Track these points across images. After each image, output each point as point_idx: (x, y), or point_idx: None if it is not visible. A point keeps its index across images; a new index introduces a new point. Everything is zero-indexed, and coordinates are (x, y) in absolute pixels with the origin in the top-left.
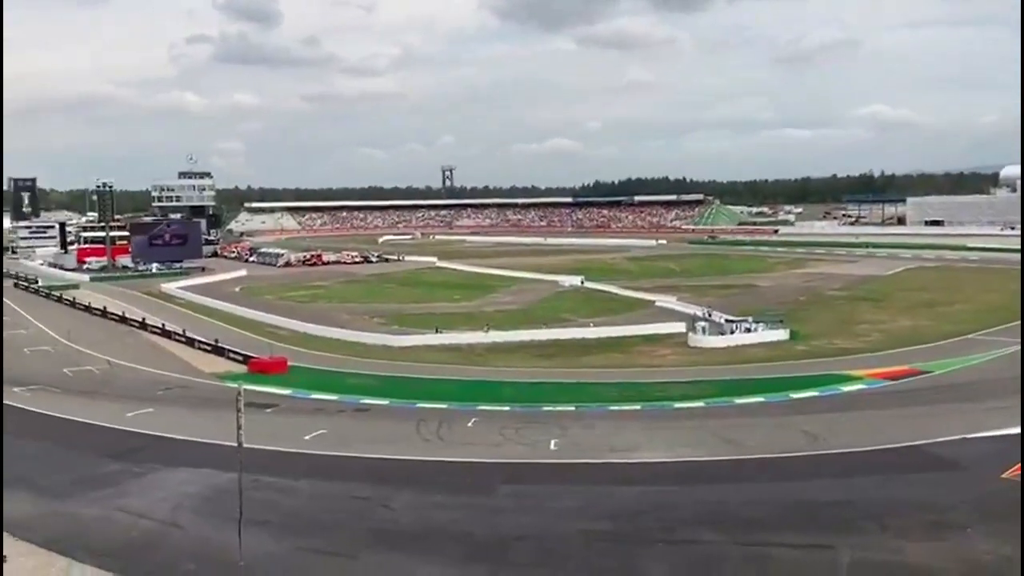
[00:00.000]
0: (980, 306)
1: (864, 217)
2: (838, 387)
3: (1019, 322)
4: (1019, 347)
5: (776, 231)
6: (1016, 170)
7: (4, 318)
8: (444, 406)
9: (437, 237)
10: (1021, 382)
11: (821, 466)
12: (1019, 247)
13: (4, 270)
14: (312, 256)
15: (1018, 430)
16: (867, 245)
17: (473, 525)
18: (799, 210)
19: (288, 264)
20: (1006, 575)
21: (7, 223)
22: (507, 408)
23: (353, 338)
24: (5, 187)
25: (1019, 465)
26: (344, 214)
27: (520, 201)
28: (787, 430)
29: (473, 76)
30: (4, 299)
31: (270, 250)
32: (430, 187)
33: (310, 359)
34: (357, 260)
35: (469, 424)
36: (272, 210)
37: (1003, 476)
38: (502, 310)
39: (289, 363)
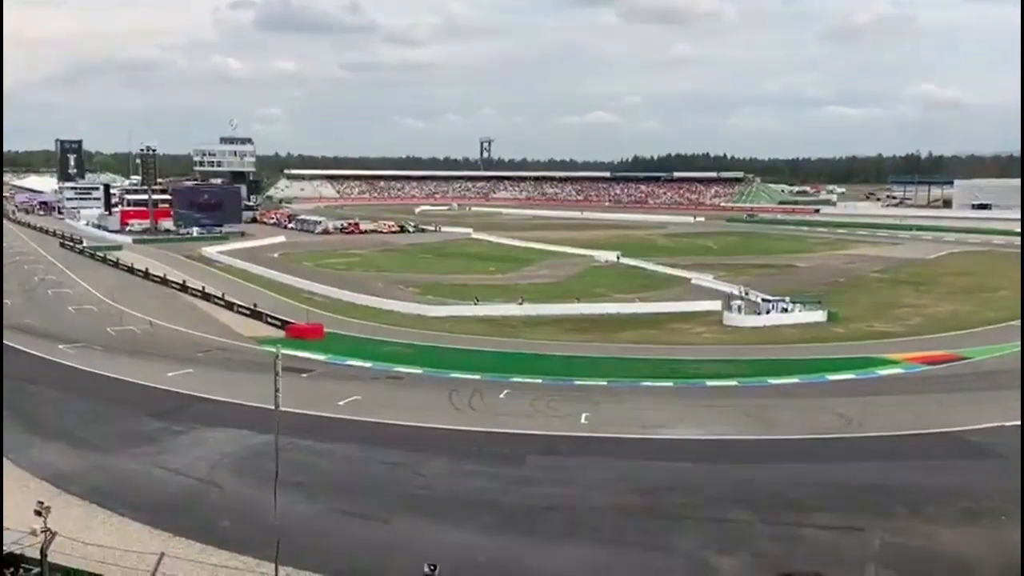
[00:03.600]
0: None
1: (909, 199)
2: (875, 370)
3: None
4: None
5: (817, 211)
6: None
7: (51, 276)
8: (477, 377)
9: (474, 209)
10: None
11: (855, 449)
12: None
13: (50, 230)
14: (350, 224)
15: None
16: (911, 228)
17: (503, 494)
18: (842, 190)
19: (326, 232)
20: None
21: (53, 184)
22: (539, 381)
23: (388, 307)
24: (52, 148)
25: None
26: (382, 184)
27: (558, 175)
28: (822, 412)
29: (514, 47)
30: (51, 258)
31: (308, 217)
32: (468, 159)
33: (346, 326)
34: (394, 229)
35: (501, 395)
36: (311, 178)
37: None
38: (537, 283)
39: (325, 329)
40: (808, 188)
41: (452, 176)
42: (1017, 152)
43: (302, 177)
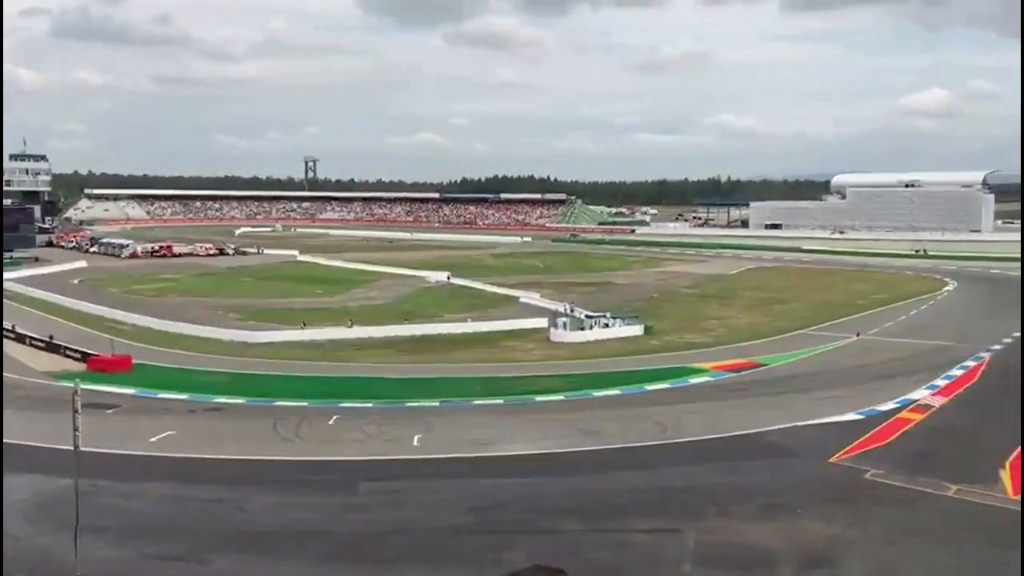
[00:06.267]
0: (811, 304)
1: (712, 219)
2: (687, 379)
3: (845, 319)
4: (842, 342)
5: (633, 231)
6: (845, 179)
7: None
8: (304, 404)
9: (299, 230)
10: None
11: (671, 454)
12: (843, 250)
13: None
14: (161, 247)
15: (843, 417)
16: (715, 246)
17: (334, 524)
18: (654, 211)
19: (134, 255)
20: (833, 553)
21: None
22: (370, 405)
23: (206, 334)
24: None
25: (846, 450)
26: (198, 204)
27: (386, 195)
28: (641, 421)
29: (338, 66)
30: None
31: (114, 240)
32: (292, 178)
33: (158, 356)
34: (212, 252)
35: (330, 422)
36: (116, 197)
37: (830, 461)
38: (367, 305)
39: (134, 361)
40: (625, 210)
41: (275, 196)
42: (803, 176)
43: (106, 197)
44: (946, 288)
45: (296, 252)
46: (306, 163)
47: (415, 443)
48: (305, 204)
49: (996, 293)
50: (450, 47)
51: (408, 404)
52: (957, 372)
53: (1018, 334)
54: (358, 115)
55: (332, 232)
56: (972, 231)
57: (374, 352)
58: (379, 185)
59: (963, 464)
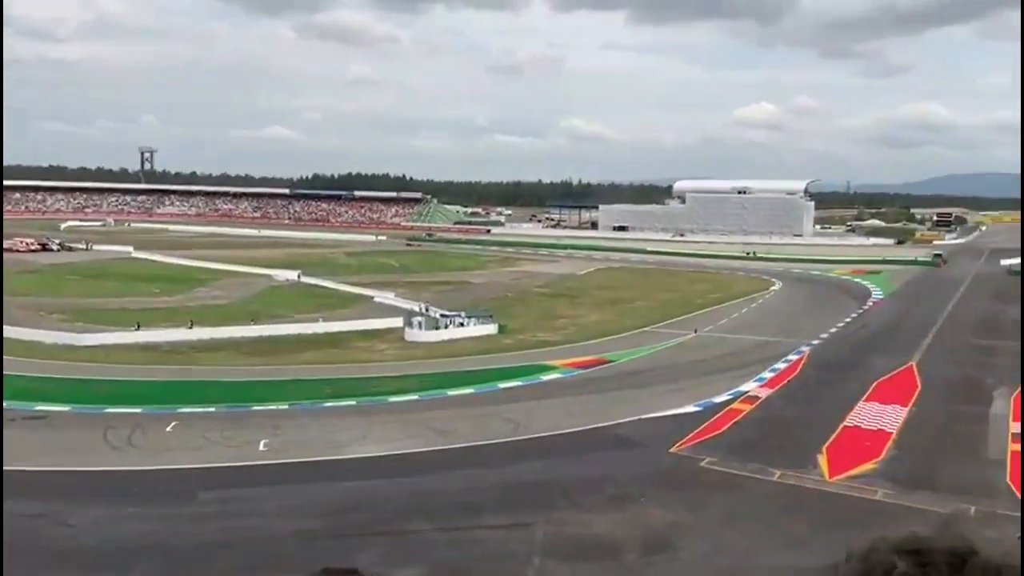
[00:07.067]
0: (655, 303)
1: (564, 220)
2: (539, 376)
3: (684, 316)
4: (681, 338)
5: (489, 231)
6: (685, 184)
7: None
8: (138, 410)
9: (134, 225)
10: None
11: (522, 450)
12: (683, 252)
13: None
14: None
15: (683, 409)
16: (566, 247)
17: (171, 536)
18: (509, 212)
19: None
20: (673, 537)
21: None
22: (212, 409)
23: (26, 336)
24: None
25: (685, 440)
26: (17, 195)
27: (232, 190)
28: (494, 418)
29: (179, 52)
30: None
31: None
32: (126, 170)
33: None
34: (33, 248)
35: (167, 429)
36: None
37: (670, 451)
38: (209, 305)
39: None
40: (480, 210)
41: (106, 188)
42: (648, 181)
43: None
44: (772, 288)
45: (131, 248)
46: (142, 154)
47: (262, 448)
48: (141, 197)
49: (815, 293)
50: (301, 39)
51: (254, 408)
52: (781, 365)
53: (834, 330)
54: (200, 105)
55: (172, 228)
56: (795, 235)
57: (217, 354)
58: (223, 179)
59: (786, 450)
